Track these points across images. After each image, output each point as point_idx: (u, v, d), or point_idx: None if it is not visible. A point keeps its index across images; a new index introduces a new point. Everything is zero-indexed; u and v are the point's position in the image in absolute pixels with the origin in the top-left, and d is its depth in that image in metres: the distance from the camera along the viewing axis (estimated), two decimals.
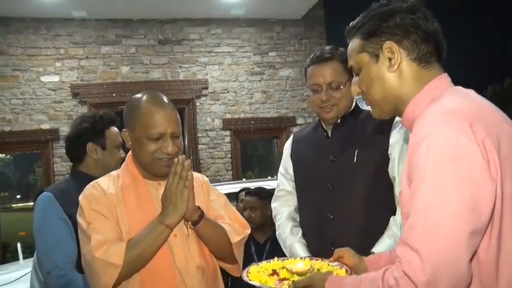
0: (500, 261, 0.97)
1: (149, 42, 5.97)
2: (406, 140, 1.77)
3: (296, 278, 1.31)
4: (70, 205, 1.91)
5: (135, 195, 1.55)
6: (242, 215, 2.76)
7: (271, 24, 6.32)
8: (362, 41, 1.16)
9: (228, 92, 6.15)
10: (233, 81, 6.17)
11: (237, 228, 1.63)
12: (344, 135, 1.84)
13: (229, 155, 6.08)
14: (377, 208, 1.75)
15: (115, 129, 2.11)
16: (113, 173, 1.65)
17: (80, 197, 1.55)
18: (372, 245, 1.73)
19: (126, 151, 1.66)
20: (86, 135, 2.07)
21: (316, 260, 1.46)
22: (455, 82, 1.16)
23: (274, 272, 1.40)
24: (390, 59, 1.12)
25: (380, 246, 1.71)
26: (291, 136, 2.09)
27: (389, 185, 1.77)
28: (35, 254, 2.10)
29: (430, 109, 1.05)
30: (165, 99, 1.59)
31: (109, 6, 5.52)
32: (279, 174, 2.06)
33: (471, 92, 1.11)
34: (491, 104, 1.09)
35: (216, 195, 1.72)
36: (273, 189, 2.14)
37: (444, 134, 0.95)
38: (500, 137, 0.98)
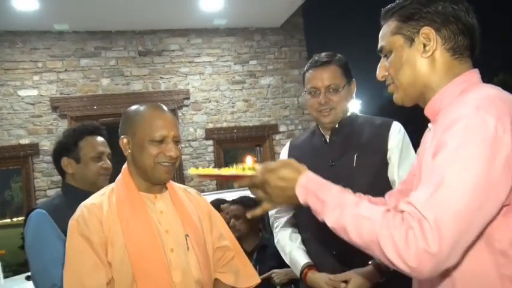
0: None
1: (129, 54, 5.93)
2: (405, 145, 1.81)
3: (249, 171, 1.21)
4: (62, 222, 1.88)
5: (131, 209, 1.52)
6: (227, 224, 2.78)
7: (251, 33, 6.36)
8: (399, 23, 1.14)
9: (210, 101, 6.15)
10: (214, 90, 6.17)
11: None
12: (342, 140, 1.86)
13: (212, 165, 6.06)
14: None
15: (92, 138, 2.05)
16: (108, 187, 1.62)
17: (70, 220, 1.51)
18: None
19: (124, 160, 1.63)
20: (60, 150, 2.05)
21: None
22: None
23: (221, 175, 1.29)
24: (424, 45, 1.11)
25: None
26: (288, 143, 2.10)
27: (388, 188, 1.78)
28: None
29: (468, 95, 1.05)
30: (164, 106, 1.60)
31: (87, 19, 5.47)
32: None
33: (499, 88, 1.11)
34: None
35: (218, 219, 1.74)
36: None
37: (484, 118, 0.95)
38: None
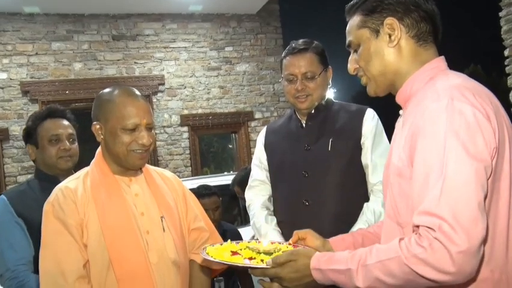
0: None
1: (102, 38, 5.82)
2: (378, 131, 1.86)
3: (264, 257, 1.24)
4: (24, 207, 1.88)
5: (106, 192, 1.52)
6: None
7: (227, 19, 6.32)
8: (364, 17, 1.18)
9: (185, 87, 6.10)
10: (190, 76, 6.13)
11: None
12: (318, 125, 1.90)
13: (187, 151, 6.05)
14: (351, 195, 1.82)
15: (49, 122, 2.01)
16: (82, 171, 1.61)
17: (45, 204, 1.50)
18: (347, 230, 1.77)
19: (97, 145, 1.62)
20: (25, 137, 2.07)
21: (277, 243, 1.39)
22: None
23: (235, 253, 1.30)
24: (390, 35, 1.15)
25: None
26: (265, 127, 2.13)
27: (362, 173, 1.84)
28: None
29: (437, 83, 1.08)
30: (137, 91, 1.58)
31: (58, 1, 5.34)
32: (252, 165, 2.09)
33: (465, 75, 1.15)
34: (486, 87, 1.14)
35: (193, 201, 1.74)
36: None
37: (461, 108, 0.98)
38: (497, 116, 1.03)
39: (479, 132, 0.97)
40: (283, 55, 1.94)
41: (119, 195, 1.53)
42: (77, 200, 1.49)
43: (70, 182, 1.55)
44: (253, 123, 6.30)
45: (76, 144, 2.06)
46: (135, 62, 5.92)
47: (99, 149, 1.61)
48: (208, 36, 6.23)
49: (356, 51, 1.23)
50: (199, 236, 1.70)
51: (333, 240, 1.35)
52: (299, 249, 1.22)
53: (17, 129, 5.38)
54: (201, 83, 6.16)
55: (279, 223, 1.93)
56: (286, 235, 1.89)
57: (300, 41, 1.92)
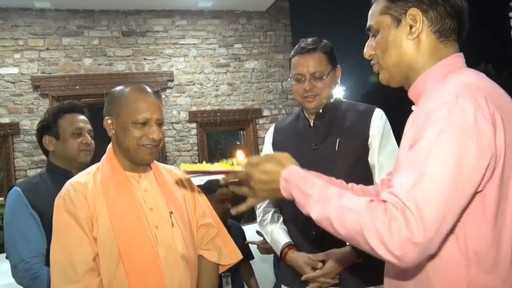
0: (496, 242, 1.00)
1: (112, 34, 5.85)
2: (386, 131, 1.85)
3: (238, 167, 1.20)
4: (38, 199, 1.92)
5: (116, 187, 1.54)
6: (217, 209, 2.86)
7: (237, 16, 6.32)
8: (388, 3, 1.14)
9: (194, 84, 6.12)
10: (199, 73, 6.14)
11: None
12: (326, 124, 1.90)
13: (195, 148, 6.07)
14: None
15: (70, 116, 2.08)
16: (93, 167, 1.64)
17: (56, 198, 1.53)
18: None
19: (108, 141, 1.65)
20: (41, 129, 2.10)
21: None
22: None
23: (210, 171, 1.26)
24: (411, 27, 1.11)
25: None
26: (272, 126, 2.13)
27: (369, 173, 1.84)
28: None
29: (448, 80, 1.05)
30: (148, 89, 1.62)
31: None
32: None
33: (483, 74, 1.12)
34: (500, 87, 1.11)
35: (201, 197, 1.77)
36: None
37: (463, 106, 0.96)
38: (508, 118, 1.00)
39: (474, 135, 0.94)
40: (291, 54, 1.94)
41: (129, 190, 1.56)
42: (88, 194, 1.51)
43: (81, 177, 1.58)
44: (261, 121, 6.31)
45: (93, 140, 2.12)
46: (144, 58, 5.95)
47: (110, 145, 1.64)
48: (218, 33, 6.24)
49: (374, 36, 1.19)
50: (208, 232, 1.72)
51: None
52: (276, 154, 1.19)
53: (27, 123, 5.44)
54: (209, 79, 6.18)
55: (285, 222, 1.94)
56: (292, 234, 1.90)
57: (309, 40, 1.92)
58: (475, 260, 1.00)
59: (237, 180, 1.20)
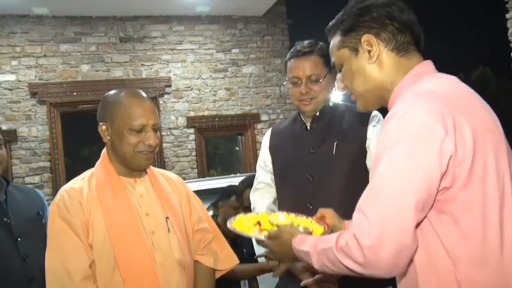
0: (469, 240, 1.01)
1: (110, 40, 5.85)
2: None
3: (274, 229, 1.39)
4: None
5: (111, 193, 1.53)
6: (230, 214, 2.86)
7: (234, 21, 6.33)
8: (342, 37, 1.20)
9: (192, 89, 6.12)
10: (196, 78, 6.14)
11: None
12: (323, 127, 1.89)
13: (194, 153, 6.06)
14: (355, 199, 1.77)
15: None
16: (87, 172, 1.62)
17: (51, 204, 1.52)
18: None
19: (102, 142, 1.63)
20: None
21: (301, 216, 1.53)
22: None
23: (258, 223, 1.46)
24: (369, 52, 1.16)
25: None
26: (269, 129, 2.12)
27: (367, 176, 1.80)
28: None
29: (408, 91, 1.10)
30: (143, 93, 1.59)
31: (67, 3, 5.37)
32: (257, 167, 2.09)
33: (453, 78, 1.15)
34: (472, 90, 1.14)
35: (196, 202, 1.75)
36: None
37: (412, 111, 1.01)
38: (473, 121, 1.02)
39: (423, 139, 0.98)
40: (287, 57, 1.93)
41: (125, 195, 1.54)
42: (83, 200, 1.50)
43: (75, 183, 1.56)
44: (259, 126, 6.30)
45: (4, 149, 2.06)
46: (142, 64, 5.95)
47: (104, 150, 1.62)
48: (215, 38, 6.24)
49: (340, 70, 1.25)
50: (203, 237, 1.71)
51: (348, 222, 1.43)
52: (286, 227, 1.36)
53: (25, 130, 5.43)
54: (207, 85, 6.17)
55: None
56: None
57: (305, 42, 1.91)
58: (462, 258, 1.02)
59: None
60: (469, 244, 1.02)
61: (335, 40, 1.23)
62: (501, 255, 1.01)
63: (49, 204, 1.67)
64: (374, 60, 1.16)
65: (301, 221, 1.48)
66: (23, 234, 1.94)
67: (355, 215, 1.04)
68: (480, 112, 1.08)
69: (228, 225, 1.42)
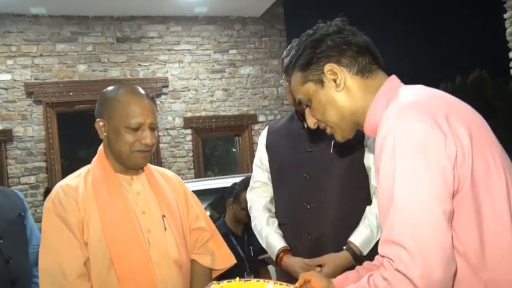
0: (485, 240, 0.99)
1: (107, 40, 5.83)
2: None
3: None
4: None
5: (107, 190, 1.50)
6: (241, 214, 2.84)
7: (231, 22, 6.32)
8: (303, 72, 1.18)
9: (189, 90, 6.10)
10: (193, 79, 6.13)
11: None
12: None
13: (190, 154, 6.04)
14: (353, 198, 1.79)
15: None
16: (83, 169, 1.60)
17: (46, 201, 1.50)
18: (349, 234, 1.77)
19: (99, 143, 1.61)
20: None
21: (281, 284, 1.39)
22: (408, 80, 1.19)
23: None
24: (334, 80, 1.14)
25: (356, 236, 1.76)
26: (266, 128, 2.10)
27: (364, 175, 1.82)
28: None
29: (390, 107, 1.07)
30: (142, 91, 1.57)
31: (64, 2, 5.35)
32: (254, 166, 2.07)
33: (422, 86, 1.14)
34: (442, 92, 1.13)
35: (194, 201, 1.73)
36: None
37: (408, 125, 0.98)
38: (466, 120, 1.02)
39: (428, 147, 0.95)
40: (284, 55, 1.91)
41: (121, 193, 1.52)
42: (78, 197, 1.48)
43: (71, 180, 1.54)
44: (256, 126, 6.29)
45: None
46: (139, 64, 5.93)
47: (101, 147, 1.60)
48: (213, 38, 6.23)
49: (308, 106, 1.22)
50: (200, 236, 1.69)
51: (336, 280, 1.36)
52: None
53: (21, 130, 5.40)
54: (204, 85, 6.16)
55: (280, 226, 1.91)
56: (288, 238, 1.87)
57: None
58: (482, 263, 0.99)
59: None
60: (484, 246, 0.99)
61: (296, 77, 1.20)
62: (500, 258, 0.99)
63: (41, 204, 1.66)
64: (342, 88, 1.14)
65: None
66: (5, 236, 1.93)
67: (385, 249, 0.97)
68: (466, 110, 1.08)
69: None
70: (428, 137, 0.96)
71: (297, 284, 1.36)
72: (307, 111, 1.23)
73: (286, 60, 1.62)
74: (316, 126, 1.24)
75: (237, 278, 1.37)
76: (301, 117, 1.93)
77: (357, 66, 1.14)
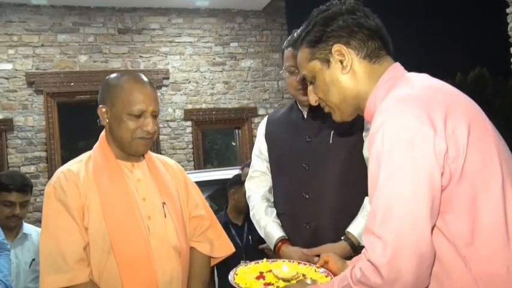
0: (477, 233, 0.99)
1: (108, 31, 5.83)
2: None
3: (281, 283, 1.33)
4: None
5: (108, 176, 1.52)
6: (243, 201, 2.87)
7: (233, 14, 6.31)
8: (310, 49, 1.16)
9: (190, 82, 6.10)
10: (194, 71, 6.13)
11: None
12: (320, 116, 1.86)
13: (190, 146, 6.05)
14: (352, 188, 1.80)
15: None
16: (85, 154, 1.61)
17: (47, 186, 1.51)
18: (347, 224, 1.78)
19: (101, 129, 1.62)
20: None
21: (304, 264, 1.48)
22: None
23: (261, 275, 1.40)
24: (341, 61, 1.13)
25: (355, 226, 1.77)
26: (266, 117, 2.10)
27: (363, 165, 1.82)
28: None
29: (385, 99, 1.07)
30: (145, 78, 1.58)
31: None
32: (253, 155, 2.07)
33: (425, 76, 1.13)
34: (445, 83, 1.12)
35: (194, 189, 1.75)
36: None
37: (397, 120, 0.98)
38: (466, 113, 1.01)
39: (416, 142, 0.95)
40: (284, 45, 1.91)
41: (121, 179, 1.53)
42: (79, 182, 1.49)
43: (73, 165, 1.55)
44: (256, 120, 6.29)
45: None
46: (140, 56, 5.92)
47: (102, 133, 1.61)
48: (214, 31, 6.22)
49: (312, 83, 1.21)
50: (200, 224, 1.70)
51: (351, 262, 1.38)
52: (295, 284, 1.29)
53: (21, 119, 5.40)
54: (205, 78, 6.16)
55: (278, 215, 1.92)
56: (286, 228, 1.89)
57: None
58: (472, 255, 0.99)
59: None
60: (476, 239, 0.99)
61: (303, 53, 1.19)
62: (508, 242, 0.99)
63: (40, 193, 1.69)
64: (348, 71, 1.13)
65: (305, 270, 1.44)
66: None
67: (365, 238, 0.99)
68: (466, 103, 1.07)
69: (230, 280, 1.35)
70: (416, 134, 0.95)
71: (317, 264, 1.45)
72: (310, 87, 1.22)
73: (295, 34, 1.64)
74: (316, 104, 1.23)
75: (264, 259, 1.49)
76: (301, 107, 1.94)
77: (365, 50, 1.13)
